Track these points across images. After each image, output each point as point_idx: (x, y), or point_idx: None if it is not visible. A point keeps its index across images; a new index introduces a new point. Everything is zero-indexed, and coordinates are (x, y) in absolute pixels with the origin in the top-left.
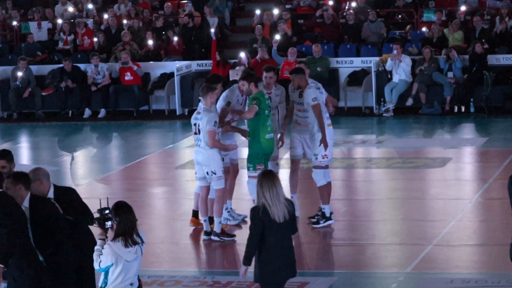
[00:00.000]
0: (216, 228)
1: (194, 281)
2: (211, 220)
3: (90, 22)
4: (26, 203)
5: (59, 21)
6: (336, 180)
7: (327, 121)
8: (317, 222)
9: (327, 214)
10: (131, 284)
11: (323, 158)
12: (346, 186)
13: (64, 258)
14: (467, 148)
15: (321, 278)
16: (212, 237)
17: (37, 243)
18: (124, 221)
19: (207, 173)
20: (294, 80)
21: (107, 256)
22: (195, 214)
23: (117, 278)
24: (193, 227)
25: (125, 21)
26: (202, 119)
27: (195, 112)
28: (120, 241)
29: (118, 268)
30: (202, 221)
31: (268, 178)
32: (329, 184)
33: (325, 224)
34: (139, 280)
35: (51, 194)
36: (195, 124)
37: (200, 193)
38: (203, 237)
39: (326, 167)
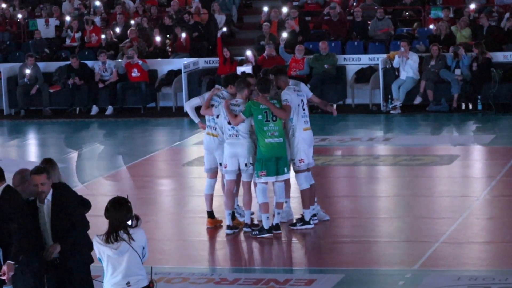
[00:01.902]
0: (248, 220)
1: (201, 278)
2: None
3: (97, 19)
4: (49, 196)
5: (67, 18)
6: (343, 177)
7: (304, 125)
8: (294, 225)
9: (306, 219)
10: (128, 283)
11: (300, 162)
12: (353, 183)
13: (82, 253)
14: (475, 145)
15: (328, 275)
16: (245, 229)
17: (58, 236)
18: (111, 218)
19: (246, 164)
20: (275, 81)
21: (95, 249)
22: (210, 215)
23: (107, 272)
24: (209, 227)
25: (132, 21)
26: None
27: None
28: (102, 236)
29: (104, 262)
30: (226, 215)
31: (50, 166)
32: (312, 187)
33: (302, 228)
34: (151, 282)
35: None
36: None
37: (227, 187)
38: (226, 231)
39: (308, 170)
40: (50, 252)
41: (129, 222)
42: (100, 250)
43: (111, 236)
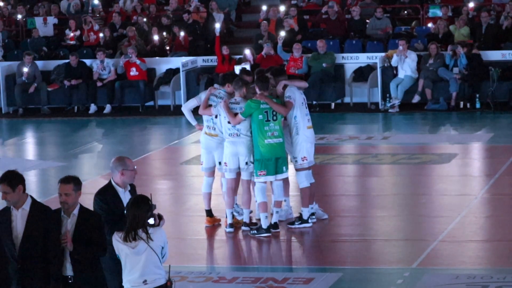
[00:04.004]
0: (246, 218)
1: (200, 276)
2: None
3: (96, 27)
4: (76, 211)
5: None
6: (342, 176)
7: (307, 123)
8: (292, 223)
9: (305, 217)
10: (144, 282)
11: (303, 160)
12: (351, 182)
13: (97, 276)
14: (473, 144)
15: (326, 274)
16: (244, 227)
17: (76, 253)
18: (130, 216)
19: (246, 163)
20: (274, 82)
21: (114, 246)
22: (209, 213)
23: (125, 269)
24: (208, 226)
25: (135, 17)
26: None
27: (228, 102)
28: (121, 234)
29: (122, 259)
30: (228, 214)
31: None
32: (311, 186)
33: (300, 226)
34: (168, 280)
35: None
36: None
37: (229, 185)
38: (228, 229)
39: (309, 168)
40: (64, 239)
41: (152, 221)
42: (118, 247)
43: (129, 235)
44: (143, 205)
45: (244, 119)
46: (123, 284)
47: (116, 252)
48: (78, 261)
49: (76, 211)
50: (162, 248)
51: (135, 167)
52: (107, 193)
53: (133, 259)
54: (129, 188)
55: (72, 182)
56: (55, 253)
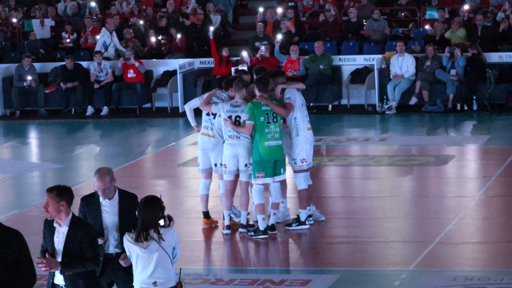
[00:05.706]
0: (244, 220)
1: (197, 278)
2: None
3: (93, 28)
4: (67, 221)
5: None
6: (339, 177)
7: (307, 125)
8: (290, 225)
9: (302, 219)
10: (154, 283)
11: (302, 162)
12: (348, 183)
13: None
14: (470, 145)
15: (323, 276)
16: (241, 229)
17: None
18: (142, 216)
19: (245, 165)
20: (273, 83)
21: (125, 246)
22: (206, 215)
23: (136, 269)
24: (205, 227)
25: (132, 19)
26: (245, 112)
27: (229, 105)
28: (132, 234)
29: (133, 259)
30: (225, 215)
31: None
32: (309, 188)
33: (298, 228)
34: (178, 283)
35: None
36: (230, 117)
37: (227, 187)
38: (226, 231)
39: (307, 170)
40: (48, 263)
41: (161, 222)
42: (129, 248)
43: (141, 235)
44: (155, 206)
45: (253, 122)
46: (134, 284)
47: (127, 253)
48: (69, 274)
49: (67, 221)
50: (174, 248)
51: (103, 187)
52: (88, 199)
53: (144, 259)
54: (116, 198)
55: (54, 191)
56: (29, 274)
